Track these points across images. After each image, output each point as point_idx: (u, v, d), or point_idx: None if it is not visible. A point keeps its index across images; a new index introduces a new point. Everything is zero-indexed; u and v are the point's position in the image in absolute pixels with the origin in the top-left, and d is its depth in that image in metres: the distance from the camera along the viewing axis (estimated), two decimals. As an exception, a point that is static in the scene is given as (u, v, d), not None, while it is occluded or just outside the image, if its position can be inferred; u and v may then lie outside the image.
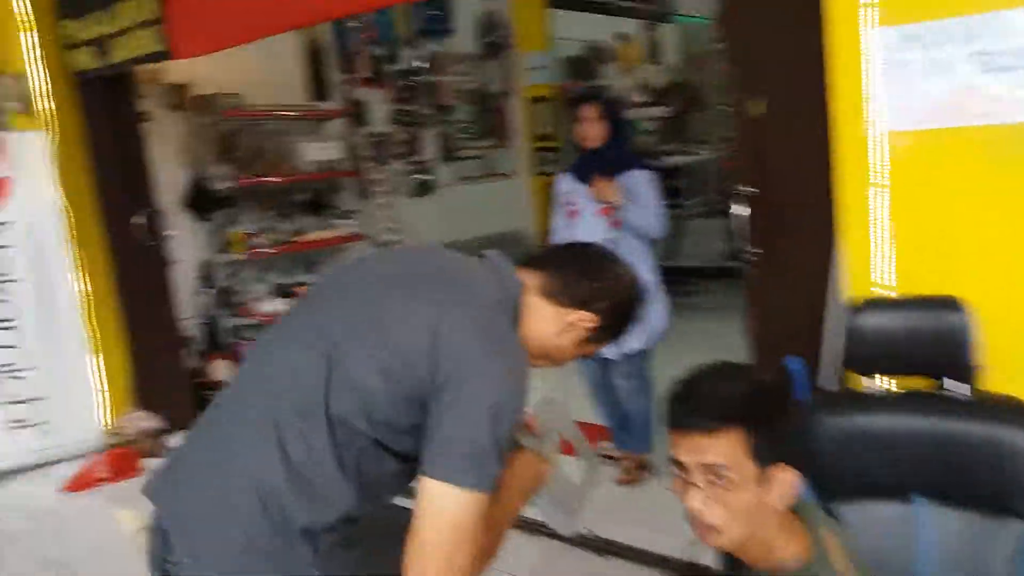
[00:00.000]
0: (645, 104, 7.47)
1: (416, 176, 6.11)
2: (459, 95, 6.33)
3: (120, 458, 3.76)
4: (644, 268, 3.21)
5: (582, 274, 1.40)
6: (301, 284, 5.07)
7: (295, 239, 5.02)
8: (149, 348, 4.22)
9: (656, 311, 3.22)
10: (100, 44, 3.88)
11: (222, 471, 1.26)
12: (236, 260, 4.80)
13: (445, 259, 1.43)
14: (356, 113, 5.52)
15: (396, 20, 5.84)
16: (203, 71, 4.63)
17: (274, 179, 4.92)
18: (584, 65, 7.34)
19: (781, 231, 2.41)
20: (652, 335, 3.22)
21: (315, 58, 5.41)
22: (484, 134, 6.56)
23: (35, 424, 3.99)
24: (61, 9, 4.05)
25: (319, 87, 5.42)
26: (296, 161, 5.07)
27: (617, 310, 1.43)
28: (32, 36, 4.03)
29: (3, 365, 3.96)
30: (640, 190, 3.14)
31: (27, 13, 4.02)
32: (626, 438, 3.42)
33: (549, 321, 1.39)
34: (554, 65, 6.70)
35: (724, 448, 1.12)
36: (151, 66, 4.43)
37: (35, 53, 4.04)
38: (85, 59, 3.99)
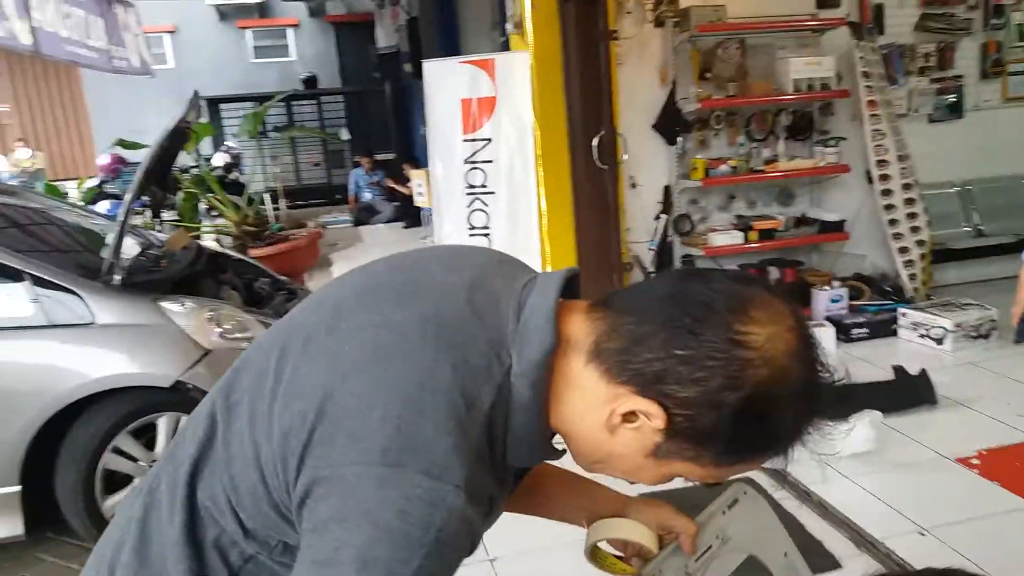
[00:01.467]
0: None
1: (943, 96, 4.98)
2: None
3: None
4: None
5: (663, 326, 0.74)
6: (765, 217, 4.60)
7: (766, 168, 4.53)
8: (592, 268, 4.28)
9: None
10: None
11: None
12: (697, 187, 4.53)
13: (443, 274, 0.83)
14: (862, 22, 4.63)
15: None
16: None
17: (753, 99, 4.47)
18: None
19: None
20: None
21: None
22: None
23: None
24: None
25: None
26: (781, 79, 4.51)
27: (719, 408, 0.71)
28: (524, -41, 4.21)
29: (476, 268, 4.42)
30: None
31: (523, -63, 4.22)
32: None
33: (594, 403, 0.77)
34: None
35: None
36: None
37: (525, -25, 4.24)
38: (565, -23, 4.06)
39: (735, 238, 4.47)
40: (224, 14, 15.86)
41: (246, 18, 16.00)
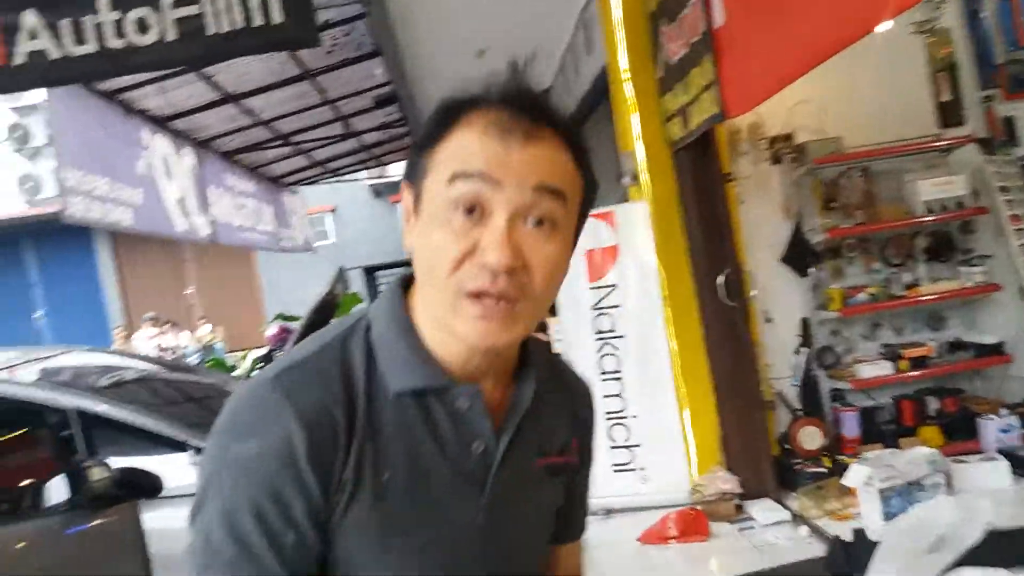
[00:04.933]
0: None
1: (1101, 203, 4.66)
2: None
3: (690, 518, 3.78)
4: None
5: None
6: (915, 345, 4.36)
7: (908, 293, 4.34)
8: (732, 408, 4.17)
9: None
10: (682, 113, 4.07)
11: None
12: (836, 317, 4.39)
13: None
14: (993, 136, 4.49)
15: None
16: (808, 119, 4.43)
17: (882, 225, 4.37)
18: None
19: None
20: None
21: (947, 77, 4.63)
22: None
23: (634, 469, 4.33)
24: (661, 87, 4.40)
25: (950, 111, 4.60)
26: (911, 202, 4.40)
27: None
28: (635, 117, 4.46)
29: (611, 412, 4.42)
30: None
31: (632, 97, 4.48)
32: None
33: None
34: None
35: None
36: (751, 124, 4.50)
37: (638, 131, 4.47)
38: (675, 130, 4.24)
39: (884, 368, 4.25)
40: (378, 192, 17.39)
41: (397, 193, 17.25)
